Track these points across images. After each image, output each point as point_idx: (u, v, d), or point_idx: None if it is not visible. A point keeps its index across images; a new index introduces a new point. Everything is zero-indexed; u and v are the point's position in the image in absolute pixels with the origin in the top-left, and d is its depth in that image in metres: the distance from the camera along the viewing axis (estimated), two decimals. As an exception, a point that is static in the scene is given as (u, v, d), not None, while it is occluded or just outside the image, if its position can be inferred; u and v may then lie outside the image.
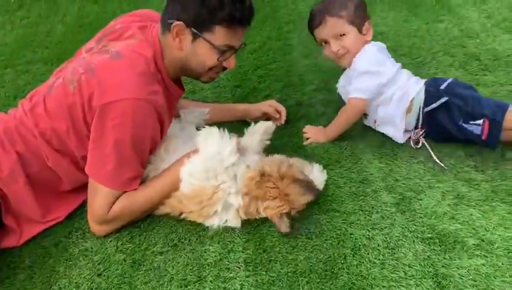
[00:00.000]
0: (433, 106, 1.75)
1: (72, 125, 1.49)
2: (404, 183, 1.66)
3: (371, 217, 1.55)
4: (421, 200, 1.59)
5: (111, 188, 1.49)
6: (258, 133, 1.67)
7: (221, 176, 1.49)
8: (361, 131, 1.94)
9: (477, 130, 1.69)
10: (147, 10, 1.78)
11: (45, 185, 1.59)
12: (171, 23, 1.47)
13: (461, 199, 1.57)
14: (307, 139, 1.92)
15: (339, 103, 2.11)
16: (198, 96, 2.27)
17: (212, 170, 1.49)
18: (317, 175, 1.60)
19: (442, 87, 1.76)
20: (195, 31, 1.48)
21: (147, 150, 1.54)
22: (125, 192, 1.51)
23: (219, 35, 1.48)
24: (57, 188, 1.62)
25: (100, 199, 1.49)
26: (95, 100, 1.42)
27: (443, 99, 1.73)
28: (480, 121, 1.68)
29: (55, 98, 1.51)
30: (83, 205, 1.65)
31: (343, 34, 1.79)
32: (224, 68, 1.61)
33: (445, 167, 1.70)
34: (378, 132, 1.91)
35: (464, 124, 1.71)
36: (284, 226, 1.49)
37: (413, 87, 1.79)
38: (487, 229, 1.46)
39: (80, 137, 1.51)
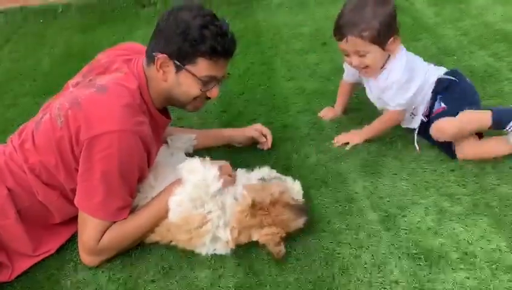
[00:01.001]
0: None
1: (61, 159, 1.52)
2: (388, 201, 1.70)
3: (357, 235, 1.58)
4: (405, 216, 1.63)
5: (100, 219, 1.51)
6: (256, 178, 1.68)
7: (208, 204, 1.52)
8: (346, 151, 1.98)
9: None
10: (131, 43, 1.83)
11: (36, 219, 1.61)
12: (155, 56, 1.53)
13: (444, 214, 1.62)
14: (344, 145, 2.00)
15: (323, 123, 2.18)
16: (185, 122, 2.31)
17: (199, 198, 1.52)
18: (293, 186, 1.63)
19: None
20: (178, 63, 1.53)
21: (135, 179, 1.57)
22: (114, 222, 1.54)
23: (201, 67, 1.53)
24: (47, 221, 1.64)
25: (90, 230, 1.52)
26: (82, 134, 1.45)
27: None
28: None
29: (43, 133, 1.54)
30: (74, 237, 1.66)
31: (366, 53, 1.79)
32: (208, 98, 1.66)
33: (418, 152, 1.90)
34: (362, 152, 1.96)
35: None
36: (280, 249, 1.51)
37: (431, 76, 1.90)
38: (470, 242, 1.50)
39: (69, 170, 1.54)
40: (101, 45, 3.23)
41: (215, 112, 2.37)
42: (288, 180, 1.65)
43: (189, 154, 1.91)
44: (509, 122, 1.72)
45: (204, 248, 1.54)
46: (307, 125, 2.19)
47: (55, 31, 3.58)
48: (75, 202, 1.53)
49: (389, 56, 1.83)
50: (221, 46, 1.51)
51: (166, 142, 1.92)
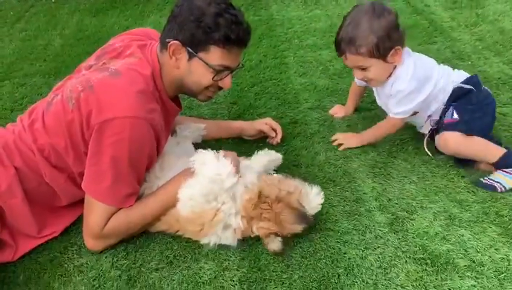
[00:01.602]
0: None
1: (70, 142, 1.51)
2: (397, 203, 1.69)
3: (364, 236, 1.57)
4: (413, 220, 1.62)
5: (107, 204, 1.50)
6: (266, 158, 1.71)
7: (221, 197, 1.51)
8: (356, 150, 1.97)
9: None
10: (146, 29, 1.81)
11: (42, 201, 1.60)
12: (168, 42, 1.51)
13: (453, 220, 1.60)
14: (339, 145, 1.99)
15: (333, 121, 2.16)
16: (195, 112, 2.30)
17: (212, 193, 1.50)
18: (314, 198, 1.58)
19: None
20: (190, 50, 1.51)
21: (144, 167, 1.56)
22: (121, 208, 1.53)
23: (214, 55, 1.51)
24: (53, 203, 1.63)
25: (96, 214, 1.51)
26: (93, 118, 1.44)
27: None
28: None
29: (53, 115, 1.53)
30: (79, 221, 1.66)
31: (367, 67, 1.77)
32: (220, 88, 1.64)
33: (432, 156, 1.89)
34: (372, 152, 1.94)
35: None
36: (273, 244, 1.50)
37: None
38: (478, 250, 1.49)
39: (78, 153, 1.52)
40: (113, 29, 3.21)
41: (225, 103, 2.35)
42: (311, 188, 1.58)
43: (197, 145, 1.90)
44: None
45: (213, 237, 1.53)
46: (317, 122, 2.17)
47: (66, 12, 3.55)
48: (83, 185, 1.52)
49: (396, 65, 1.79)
50: (235, 35, 1.48)
51: (175, 132, 1.91)
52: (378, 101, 1.99)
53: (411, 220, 1.62)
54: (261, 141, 2.04)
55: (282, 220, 1.49)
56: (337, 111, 2.22)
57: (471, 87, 1.81)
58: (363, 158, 1.92)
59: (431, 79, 1.80)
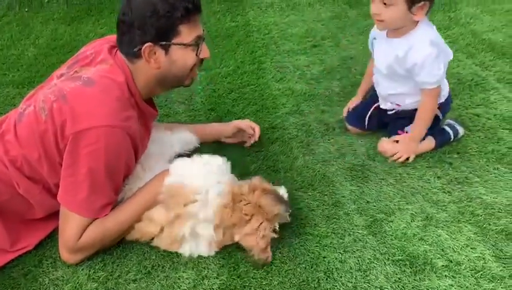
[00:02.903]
0: None
1: (44, 153, 1.48)
2: (375, 206, 1.70)
3: (343, 239, 1.57)
4: (391, 222, 1.63)
5: (83, 216, 1.47)
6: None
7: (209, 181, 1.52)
8: (333, 154, 1.98)
9: None
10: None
11: (15, 213, 1.56)
12: (139, 50, 1.49)
13: (430, 221, 1.62)
14: (397, 159, 1.91)
15: (312, 125, 2.17)
16: (173, 119, 2.28)
17: (206, 174, 1.52)
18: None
19: None
20: (164, 43, 1.50)
21: (121, 176, 1.54)
22: (96, 219, 1.50)
23: (186, 32, 1.52)
24: (27, 215, 1.59)
25: (72, 227, 1.47)
26: (68, 128, 1.41)
27: None
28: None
29: (26, 126, 1.50)
30: (53, 233, 1.62)
31: (390, 4, 1.70)
32: (202, 61, 1.64)
33: None
34: (350, 155, 1.96)
35: None
36: (269, 257, 1.49)
37: None
38: (455, 250, 1.51)
39: (53, 164, 1.49)
40: (88, 37, 3.17)
41: (203, 110, 2.34)
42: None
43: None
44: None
45: (187, 246, 1.51)
46: (295, 127, 2.18)
47: (40, 21, 3.49)
48: (58, 197, 1.48)
49: (411, 26, 1.76)
50: (191, 4, 1.49)
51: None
52: (379, 61, 1.91)
53: (389, 221, 1.63)
54: (239, 148, 2.04)
55: (262, 206, 1.48)
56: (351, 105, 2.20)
57: (439, 114, 1.93)
58: (341, 161, 1.93)
59: (447, 54, 1.83)
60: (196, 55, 1.57)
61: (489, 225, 1.59)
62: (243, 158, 1.96)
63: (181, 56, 1.55)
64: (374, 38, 1.95)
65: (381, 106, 2.02)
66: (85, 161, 1.41)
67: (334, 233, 1.60)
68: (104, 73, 1.51)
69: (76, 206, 1.46)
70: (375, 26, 1.91)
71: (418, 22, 1.76)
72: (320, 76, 2.55)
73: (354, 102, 2.20)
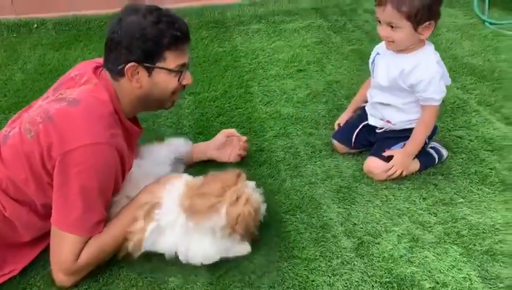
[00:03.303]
0: None
1: (31, 173, 1.47)
2: (362, 228, 1.71)
3: (331, 263, 1.58)
4: (378, 244, 1.64)
5: (78, 235, 1.46)
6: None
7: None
8: (320, 176, 2.00)
9: None
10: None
11: (0, 237, 1.54)
12: (123, 68, 1.53)
13: (416, 242, 1.64)
14: (391, 175, 1.93)
15: (299, 148, 2.19)
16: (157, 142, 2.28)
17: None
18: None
19: None
20: (148, 65, 1.54)
21: (110, 192, 1.55)
22: (91, 237, 1.49)
23: (171, 58, 1.56)
24: (13, 239, 1.56)
25: (68, 247, 1.46)
26: (55, 149, 1.42)
27: None
28: None
29: (10, 147, 1.50)
30: (37, 260, 1.60)
31: (397, 27, 1.76)
32: (183, 87, 1.68)
33: None
34: (336, 177, 1.98)
35: None
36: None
37: None
38: (441, 271, 1.52)
39: (40, 184, 1.49)
40: (76, 62, 3.14)
41: (191, 134, 2.35)
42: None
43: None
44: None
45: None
46: (282, 149, 2.20)
47: (28, 47, 3.50)
48: (52, 219, 1.48)
49: (419, 41, 1.82)
50: (180, 32, 1.55)
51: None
52: (382, 74, 1.94)
53: (376, 243, 1.64)
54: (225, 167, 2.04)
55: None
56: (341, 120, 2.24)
57: (426, 138, 1.94)
58: (328, 184, 1.95)
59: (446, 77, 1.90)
60: (178, 81, 1.61)
61: (475, 245, 1.61)
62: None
63: (163, 80, 1.59)
64: (378, 54, 2.00)
65: (370, 122, 2.05)
66: (76, 180, 1.42)
67: (322, 256, 1.60)
68: (89, 92, 1.54)
69: (71, 226, 1.45)
70: (381, 43, 1.98)
71: (424, 40, 1.84)
72: (307, 99, 2.59)
73: (344, 117, 2.24)
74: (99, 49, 3.42)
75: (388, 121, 1.99)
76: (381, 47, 1.98)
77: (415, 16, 1.71)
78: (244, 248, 1.60)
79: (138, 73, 1.55)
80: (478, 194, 1.84)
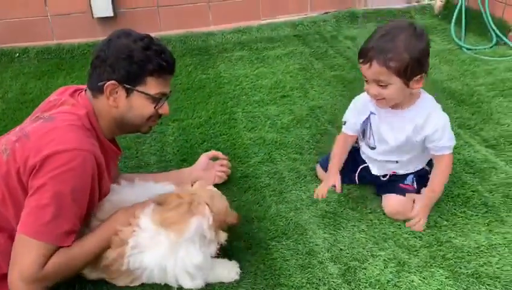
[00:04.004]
0: None
1: (9, 195, 1.44)
2: (348, 253, 1.70)
3: (318, 289, 1.56)
4: (365, 269, 1.63)
5: (45, 241, 1.39)
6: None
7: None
8: (305, 201, 1.99)
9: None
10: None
11: None
12: (103, 84, 1.55)
13: (402, 266, 1.63)
14: (415, 223, 1.81)
15: (284, 173, 2.19)
16: (144, 171, 2.26)
17: None
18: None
19: None
20: (128, 86, 1.57)
21: (85, 202, 1.48)
22: (59, 248, 1.43)
23: (151, 85, 1.60)
24: None
25: (32, 254, 1.38)
26: (32, 158, 1.39)
27: None
28: None
29: None
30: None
31: (386, 84, 1.64)
32: (160, 116, 1.69)
33: None
34: (322, 203, 1.97)
35: None
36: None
37: None
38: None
39: (18, 205, 1.44)
40: (59, 90, 3.17)
41: (175, 161, 2.34)
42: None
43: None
44: None
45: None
46: (267, 175, 2.20)
47: (10, 76, 3.48)
48: (18, 227, 1.40)
49: (412, 94, 1.72)
50: (166, 63, 1.60)
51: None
52: (390, 141, 1.83)
53: (363, 269, 1.63)
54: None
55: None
56: (323, 190, 2.03)
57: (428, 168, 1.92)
58: (313, 209, 1.95)
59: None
60: (155, 108, 1.63)
61: (460, 268, 1.61)
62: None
63: (140, 104, 1.61)
64: (372, 113, 1.85)
65: (373, 172, 1.97)
66: (51, 184, 1.38)
67: (309, 283, 1.58)
68: (65, 110, 1.55)
69: (38, 231, 1.38)
70: (368, 101, 1.84)
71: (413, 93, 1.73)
72: (290, 125, 2.61)
73: (330, 182, 2.03)
74: (81, 78, 3.42)
75: (394, 172, 1.93)
76: (371, 106, 1.84)
77: (404, 71, 1.59)
78: (230, 273, 1.58)
79: (117, 92, 1.57)
80: (461, 216, 1.85)
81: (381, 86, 1.65)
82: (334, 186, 2.02)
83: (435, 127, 1.73)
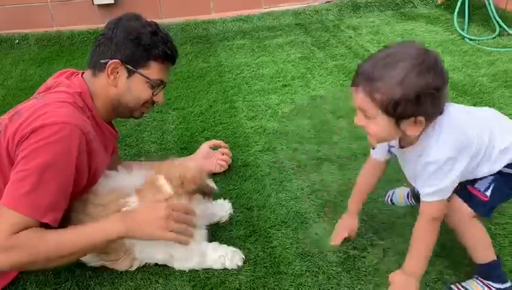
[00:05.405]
0: None
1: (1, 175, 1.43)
2: (348, 242, 1.71)
3: (317, 277, 1.56)
4: (364, 257, 1.63)
5: (20, 212, 1.33)
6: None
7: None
8: (306, 190, 1.99)
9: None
10: None
11: None
12: (105, 63, 1.56)
13: (402, 256, 1.62)
14: None
15: (284, 162, 2.19)
16: (144, 159, 2.26)
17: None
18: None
19: None
20: (130, 67, 1.59)
21: (71, 178, 1.43)
22: (42, 225, 1.36)
23: (154, 70, 1.62)
24: None
25: (4, 223, 1.33)
26: (20, 132, 1.39)
27: None
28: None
29: None
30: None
31: (370, 117, 1.31)
32: (153, 103, 1.71)
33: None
34: (322, 192, 1.97)
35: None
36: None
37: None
38: (427, 284, 1.51)
39: (6, 181, 1.41)
40: (59, 78, 3.16)
41: (175, 149, 2.33)
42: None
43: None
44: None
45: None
46: (267, 164, 2.19)
47: (10, 63, 3.46)
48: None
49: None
50: (171, 51, 1.64)
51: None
52: (407, 173, 1.52)
53: (362, 257, 1.63)
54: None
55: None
56: (336, 240, 1.69)
57: None
58: (313, 198, 1.95)
59: (471, 146, 1.36)
60: (152, 94, 1.65)
61: (459, 257, 1.61)
62: (215, 195, 1.95)
63: (138, 87, 1.63)
64: (392, 146, 1.53)
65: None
66: (34, 155, 1.36)
67: (308, 271, 1.59)
68: (59, 90, 1.56)
69: (15, 201, 1.34)
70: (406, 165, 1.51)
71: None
72: (291, 114, 2.60)
73: (347, 226, 1.69)
74: (81, 65, 3.41)
75: None
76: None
77: (392, 108, 1.24)
78: (234, 260, 1.61)
79: (118, 72, 1.59)
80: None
81: (367, 117, 1.32)
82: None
83: (422, 162, 1.35)
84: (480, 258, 1.47)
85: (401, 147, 1.45)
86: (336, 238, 1.69)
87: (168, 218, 1.45)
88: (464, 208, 1.42)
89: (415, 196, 1.80)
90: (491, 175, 1.42)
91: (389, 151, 1.55)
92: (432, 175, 1.34)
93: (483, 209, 1.43)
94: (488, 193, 1.42)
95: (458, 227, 1.47)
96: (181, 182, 1.53)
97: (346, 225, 1.70)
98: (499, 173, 1.41)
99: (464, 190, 1.44)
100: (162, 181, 1.54)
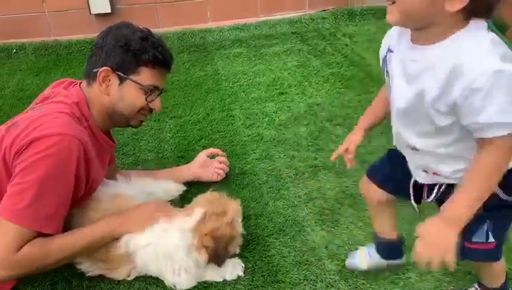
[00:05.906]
0: None
1: None
2: (345, 250, 1.71)
3: (315, 286, 1.56)
4: (362, 266, 1.63)
5: (21, 225, 1.35)
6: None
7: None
8: (303, 198, 1.99)
9: None
10: None
11: None
12: (97, 71, 1.56)
13: (400, 263, 1.64)
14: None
15: (281, 170, 2.19)
16: (142, 168, 2.26)
17: None
18: None
19: None
20: (121, 74, 1.58)
21: (70, 189, 1.45)
22: (41, 235, 1.39)
23: (145, 76, 1.61)
24: None
25: (8, 237, 1.34)
26: (18, 142, 1.39)
27: None
28: None
29: None
30: None
31: None
32: (151, 110, 1.70)
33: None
34: (319, 199, 1.97)
35: None
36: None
37: None
38: (425, 292, 1.52)
39: (3, 191, 1.42)
40: (56, 87, 3.16)
41: (172, 158, 2.33)
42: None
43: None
44: None
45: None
46: (265, 172, 2.20)
47: (7, 72, 3.46)
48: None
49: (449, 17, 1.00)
50: (162, 56, 1.61)
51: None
52: (396, 97, 1.16)
53: (360, 265, 1.63)
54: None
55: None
56: (339, 150, 1.45)
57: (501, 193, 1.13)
58: (311, 206, 1.95)
59: None
60: (146, 100, 1.63)
61: (458, 265, 1.60)
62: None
63: (131, 94, 1.61)
64: (390, 51, 1.19)
65: (416, 179, 1.28)
66: (33, 167, 1.36)
67: (306, 279, 1.59)
68: (56, 100, 1.56)
69: (15, 214, 1.35)
70: (393, 30, 1.20)
71: (459, 17, 1.01)
72: (288, 122, 2.61)
73: (350, 137, 1.44)
74: (79, 74, 3.40)
75: (435, 173, 1.21)
76: (392, 35, 1.20)
77: None
78: (234, 270, 1.61)
79: (109, 80, 1.58)
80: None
81: None
82: (347, 149, 1.42)
83: (469, 81, 0.97)
84: (491, 284, 1.40)
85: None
86: (334, 154, 1.46)
87: (157, 208, 1.58)
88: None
89: (417, 187, 1.31)
90: (480, 220, 1.13)
91: (384, 60, 1.21)
92: (503, 98, 0.93)
93: (496, 255, 1.23)
94: (491, 239, 1.18)
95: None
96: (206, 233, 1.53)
97: (349, 138, 1.43)
98: (486, 209, 1.08)
99: (465, 249, 1.17)
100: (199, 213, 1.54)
